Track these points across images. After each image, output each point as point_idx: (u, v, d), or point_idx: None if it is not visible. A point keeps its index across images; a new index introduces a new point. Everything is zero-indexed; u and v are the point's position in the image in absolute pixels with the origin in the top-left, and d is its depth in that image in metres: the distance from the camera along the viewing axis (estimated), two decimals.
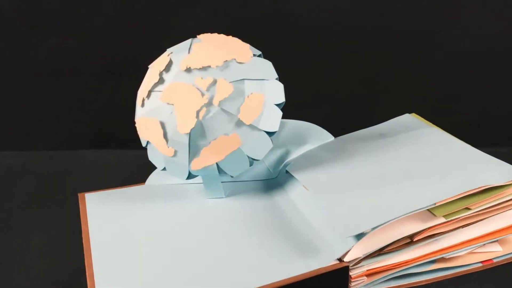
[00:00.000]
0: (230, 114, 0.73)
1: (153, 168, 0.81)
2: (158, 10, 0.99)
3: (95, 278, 0.65)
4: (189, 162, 0.75)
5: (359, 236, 0.65)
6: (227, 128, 0.73)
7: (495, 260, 0.72)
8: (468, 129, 0.89)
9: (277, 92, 0.75)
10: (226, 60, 0.74)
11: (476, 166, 0.74)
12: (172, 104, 0.74)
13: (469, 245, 0.70)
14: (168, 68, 0.76)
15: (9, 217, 0.84)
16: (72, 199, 0.83)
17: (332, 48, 1.02)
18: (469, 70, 1.02)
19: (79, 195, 0.80)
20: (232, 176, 0.77)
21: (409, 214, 0.66)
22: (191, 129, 0.73)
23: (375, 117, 0.90)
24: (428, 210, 0.67)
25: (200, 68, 0.74)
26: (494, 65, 1.02)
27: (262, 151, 0.75)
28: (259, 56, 0.78)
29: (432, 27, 1.00)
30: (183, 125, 0.73)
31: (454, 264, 0.70)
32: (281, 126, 0.82)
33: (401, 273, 0.68)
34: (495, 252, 0.72)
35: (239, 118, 0.73)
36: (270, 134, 0.75)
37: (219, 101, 0.72)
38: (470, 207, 0.68)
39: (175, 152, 0.75)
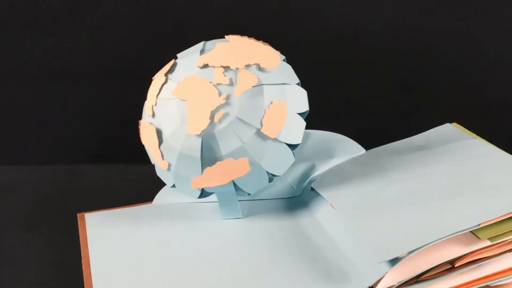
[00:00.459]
0: (247, 123, 0.73)
1: (162, 185, 0.82)
2: (166, 8, 1.00)
3: None
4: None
5: (394, 262, 0.65)
6: (243, 139, 0.73)
7: None
8: None
9: (300, 99, 0.76)
10: (249, 64, 0.74)
11: None
12: (184, 100, 0.73)
13: None
14: (172, 69, 0.76)
15: None
16: (70, 219, 0.83)
17: (364, 50, 1.03)
18: None
19: (78, 215, 0.81)
20: (249, 194, 0.78)
21: (450, 236, 0.66)
22: (202, 138, 0.73)
23: (412, 128, 0.90)
24: (471, 232, 0.67)
25: (218, 67, 0.74)
26: None
27: (283, 166, 0.76)
28: (283, 60, 0.78)
29: (478, 31, 1.01)
30: (194, 125, 0.73)
31: None
32: (305, 137, 0.82)
33: None
34: None
35: (262, 132, 0.73)
36: (292, 147, 0.75)
37: (238, 97, 0.72)
38: None
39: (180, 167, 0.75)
